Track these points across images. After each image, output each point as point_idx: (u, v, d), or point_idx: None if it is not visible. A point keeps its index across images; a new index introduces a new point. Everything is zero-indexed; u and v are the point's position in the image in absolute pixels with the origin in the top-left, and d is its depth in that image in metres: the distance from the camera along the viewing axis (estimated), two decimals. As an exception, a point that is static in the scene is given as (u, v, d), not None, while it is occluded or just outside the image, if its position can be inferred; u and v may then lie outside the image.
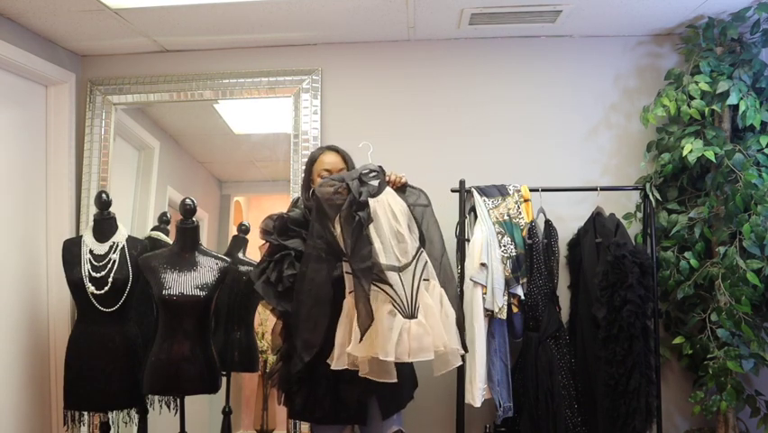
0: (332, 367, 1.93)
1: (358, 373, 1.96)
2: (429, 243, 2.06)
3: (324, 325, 1.97)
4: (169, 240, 2.68)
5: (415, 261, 1.97)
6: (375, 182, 2.03)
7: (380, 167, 2.09)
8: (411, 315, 1.90)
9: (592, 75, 2.84)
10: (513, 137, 2.83)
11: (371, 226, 1.94)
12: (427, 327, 1.89)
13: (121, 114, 2.98)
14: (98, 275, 2.42)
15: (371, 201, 1.98)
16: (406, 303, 1.91)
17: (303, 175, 2.33)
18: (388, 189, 2.06)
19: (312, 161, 2.27)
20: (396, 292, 1.90)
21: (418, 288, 1.94)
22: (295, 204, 2.28)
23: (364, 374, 1.91)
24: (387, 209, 1.99)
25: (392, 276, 1.91)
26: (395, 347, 1.84)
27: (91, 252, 2.46)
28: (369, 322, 1.85)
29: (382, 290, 1.90)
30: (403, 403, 2.18)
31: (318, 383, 2.03)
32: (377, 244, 1.93)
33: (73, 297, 2.53)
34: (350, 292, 1.94)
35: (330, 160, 2.24)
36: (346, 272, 1.95)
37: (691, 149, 2.44)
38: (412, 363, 2.23)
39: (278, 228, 2.12)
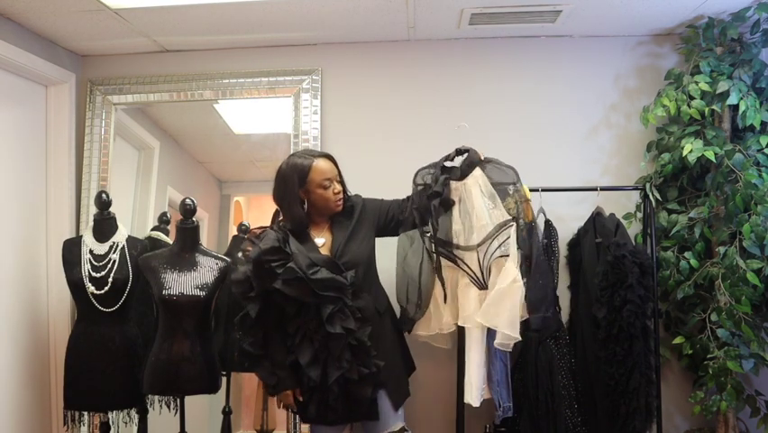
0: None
1: (366, 373, 2.04)
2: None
3: None
4: (169, 240, 2.68)
5: (491, 239, 2.13)
6: (461, 165, 2.25)
7: (471, 148, 2.25)
8: (485, 285, 2.18)
9: (592, 75, 2.83)
10: (513, 137, 2.83)
11: (454, 208, 2.20)
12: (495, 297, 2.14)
13: (121, 114, 2.98)
14: (98, 275, 2.42)
15: (457, 184, 2.22)
16: (480, 276, 2.17)
17: (283, 188, 2.13)
18: (475, 172, 2.20)
19: (303, 173, 2.10)
20: (470, 268, 2.17)
21: (488, 265, 2.16)
22: (275, 220, 2.20)
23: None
24: (470, 191, 2.18)
25: (469, 255, 2.17)
26: (471, 317, 2.15)
27: (91, 252, 2.46)
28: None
29: (460, 267, 2.18)
30: (408, 390, 2.25)
31: (329, 389, 2.05)
32: (456, 226, 2.20)
33: (73, 297, 2.53)
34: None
35: (327, 168, 2.13)
36: (433, 251, 2.21)
37: (691, 149, 2.44)
38: (406, 348, 2.31)
39: (253, 269, 2.04)
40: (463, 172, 2.23)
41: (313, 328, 2.04)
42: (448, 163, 2.28)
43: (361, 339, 2.04)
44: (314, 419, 2.15)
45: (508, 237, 2.12)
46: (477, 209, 2.16)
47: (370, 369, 2.05)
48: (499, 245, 2.13)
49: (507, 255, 2.12)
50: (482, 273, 2.16)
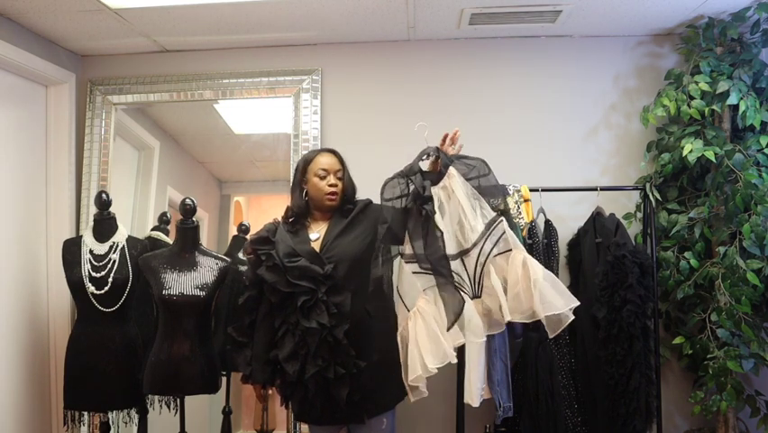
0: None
1: (344, 373, 2.01)
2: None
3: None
4: (169, 240, 2.68)
5: (483, 239, 1.99)
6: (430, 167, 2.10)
7: (437, 148, 2.11)
8: (477, 295, 2.03)
9: (592, 75, 2.84)
10: (513, 137, 2.83)
11: (436, 216, 2.00)
12: (491, 304, 1.99)
13: (121, 114, 2.98)
14: (98, 275, 2.42)
15: (435, 189, 2.04)
16: (470, 285, 2.03)
17: (294, 177, 2.29)
18: (450, 171, 2.06)
19: (306, 162, 2.25)
20: (460, 277, 2.01)
21: (483, 268, 2.00)
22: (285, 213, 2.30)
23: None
24: (450, 194, 2.04)
25: (454, 264, 2.00)
26: (465, 330, 1.97)
27: (91, 252, 2.46)
28: (461, 306, 1.93)
29: (446, 281, 1.98)
30: (391, 404, 2.16)
31: (307, 387, 2.04)
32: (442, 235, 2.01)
33: (73, 297, 2.53)
34: (424, 290, 2.00)
35: (328, 161, 2.23)
36: (414, 272, 2.01)
37: (691, 149, 2.44)
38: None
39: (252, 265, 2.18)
40: (441, 173, 2.08)
41: (294, 322, 2.05)
42: (423, 165, 2.13)
43: (337, 337, 2.02)
44: (297, 416, 2.19)
45: (503, 232, 2.00)
46: (466, 210, 2.01)
47: (349, 369, 2.02)
48: (495, 243, 2.00)
49: (510, 250, 1.99)
50: (476, 279, 2.03)
